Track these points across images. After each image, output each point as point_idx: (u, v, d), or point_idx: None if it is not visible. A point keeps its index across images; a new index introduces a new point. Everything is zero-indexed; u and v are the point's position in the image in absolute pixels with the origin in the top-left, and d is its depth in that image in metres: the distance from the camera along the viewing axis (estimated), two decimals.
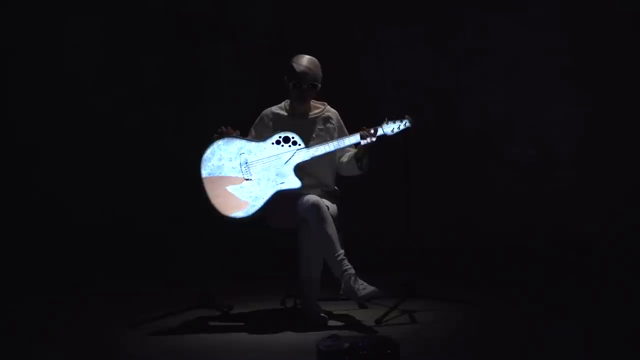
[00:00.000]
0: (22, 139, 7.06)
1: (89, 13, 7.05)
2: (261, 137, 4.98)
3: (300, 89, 4.96)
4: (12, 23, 7.02)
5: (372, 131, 4.84)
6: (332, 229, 4.74)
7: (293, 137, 4.91)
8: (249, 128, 5.09)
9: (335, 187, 5.12)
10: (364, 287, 4.65)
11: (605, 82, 6.86)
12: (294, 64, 4.95)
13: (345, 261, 4.72)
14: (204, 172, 4.87)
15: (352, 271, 4.69)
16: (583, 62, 6.88)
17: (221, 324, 4.91)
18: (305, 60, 4.97)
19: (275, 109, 5.09)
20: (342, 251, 4.74)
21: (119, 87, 7.09)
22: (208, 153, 4.88)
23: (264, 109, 5.11)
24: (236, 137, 4.91)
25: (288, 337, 4.58)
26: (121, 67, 7.09)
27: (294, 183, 4.87)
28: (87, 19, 7.05)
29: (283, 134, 4.91)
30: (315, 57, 5.01)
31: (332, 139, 5.00)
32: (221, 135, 4.87)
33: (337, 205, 5.01)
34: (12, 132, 7.04)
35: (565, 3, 6.90)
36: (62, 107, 7.07)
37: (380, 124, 4.86)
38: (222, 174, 4.87)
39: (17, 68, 7.05)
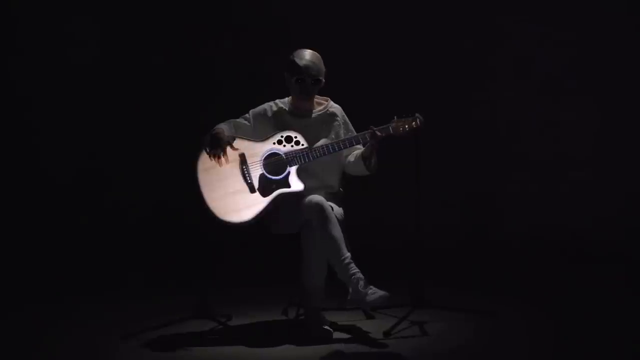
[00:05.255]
0: (26, 140, 7.09)
1: (91, 12, 7.06)
2: (259, 130, 4.82)
3: (304, 84, 4.78)
4: (14, 21, 7.04)
5: (381, 130, 4.64)
6: (337, 231, 4.57)
7: (296, 137, 4.74)
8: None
9: (340, 189, 4.95)
10: (373, 292, 4.47)
11: (617, 81, 6.79)
12: (295, 58, 4.78)
13: (353, 265, 4.54)
14: (201, 174, 4.71)
15: (360, 275, 4.52)
16: (592, 61, 6.83)
17: (219, 335, 4.77)
18: (307, 54, 4.81)
19: (279, 103, 4.91)
20: (348, 254, 4.57)
21: (120, 85, 7.07)
22: (205, 153, 4.71)
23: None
24: (235, 136, 4.76)
25: (290, 351, 4.44)
26: (122, 65, 7.07)
27: (296, 185, 4.70)
28: (89, 18, 7.07)
29: (285, 133, 4.75)
30: (321, 52, 4.85)
31: (337, 137, 4.84)
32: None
33: (342, 207, 4.84)
34: (17, 133, 7.06)
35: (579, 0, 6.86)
36: (64, 106, 7.07)
37: (389, 123, 4.67)
38: (220, 176, 4.70)
39: (20, 65, 7.06)
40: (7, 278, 6.16)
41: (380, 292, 4.45)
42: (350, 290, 4.49)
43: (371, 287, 4.48)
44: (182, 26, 7.03)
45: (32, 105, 7.05)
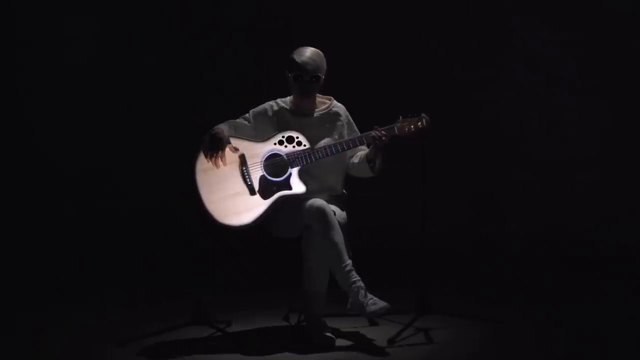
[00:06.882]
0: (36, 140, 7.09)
1: (90, 12, 7.08)
2: (260, 130, 4.74)
3: (302, 82, 4.69)
4: (15, 18, 7.06)
5: (385, 131, 4.57)
6: (339, 236, 4.48)
7: (297, 137, 4.65)
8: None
9: (344, 191, 4.86)
10: (373, 302, 4.39)
11: (624, 81, 6.77)
12: (294, 56, 4.71)
13: (354, 272, 4.45)
14: (199, 175, 4.61)
15: (361, 284, 4.43)
16: (600, 61, 6.81)
17: (217, 342, 4.69)
18: (307, 51, 4.72)
19: (280, 102, 4.83)
20: (350, 261, 4.47)
21: (119, 85, 7.06)
22: (203, 154, 4.62)
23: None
24: (235, 136, 4.67)
25: (291, 359, 4.37)
26: (121, 65, 7.06)
27: (298, 187, 4.61)
28: (88, 18, 7.10)
29: (287, 134, 4.66)
30: (324, 51, 4.77)
31: (340, 137, 4.75)
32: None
33: (346, 209, 4.75)
34: (13, 133, 7.05)
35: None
36: (61, 106, 7.06)
37: (394, 123, 4.59)
38: (220, 177, 4.60)
39: (16, 64, 7.07)
40: (1, 283, 6.10)
41: (381, 303, 4.37)
42: (350, 299, 4.42)
43: (372, 297, 4.40)
44: (182, 26, 7.01)
45: (29, 105, 7.05)
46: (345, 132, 4.78)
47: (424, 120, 4.56)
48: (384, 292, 4.47)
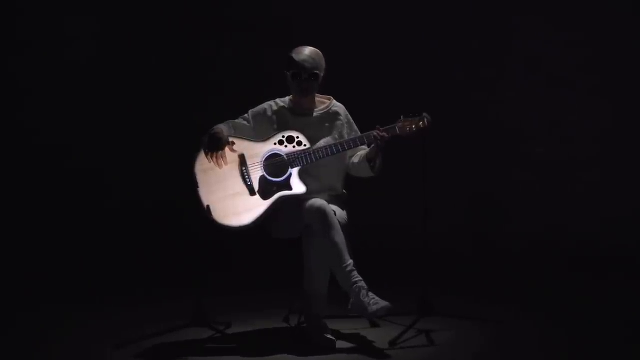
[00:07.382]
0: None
1: (91, 11, 7.09)
2: (259, 130, 4.71)
3: (300, 80, 4.66)
4: (15, 18, 7.06)
5: (387, 131, 4.53)
6: (340, 236, 4.45)
7: (298, 137, 4.62)
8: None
9: (344, 191, 4.83)
10: (375, 302, 4.35)
11: (625, 80, 6.77)
12: (293, 54, 4.69)
13: (355, 273, 4.42)
14: (199, 175, 4.58)
15: (363, 284, 4.40)
16: (604, 61, 6.79)
17: (216, 345, 4.66)
18: (305, 50, 4.70)
19: (280, 102, 4.80)
20: (351, 261, 4.44)
21: (119, 84, 7.06)
22: (203, 154, 4.59)
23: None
24: (235, 136, 4.64)
25: None
26: (122, 64, 7.06)
27: (298, 188, 4.58)
28: (88, 18, 7.10)
29: (287, 134, 4.63)
30: (324, 51, 4.75)
31: (340, 137, 4.73)
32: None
33: (346, 210, 4.72)
34: (13, 132, 7.03)
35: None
36: (62, 105, 7.05)
37: (396, 122, 4.56)
38: (219, 178, 4.58)
39: (17, 64, 7.06)
40: (1, 283, 6.08)
41: (383, 303, 4.33)
42: (352, 299, 4.39)
43: (374, 297, 4.36)
44: (182, 26, 7.01)
45: (29, 104, 7.04)
46: (345, 131, 4.75)
47: (425, 120, 4.53)
48: (384, 293, 4.44)
